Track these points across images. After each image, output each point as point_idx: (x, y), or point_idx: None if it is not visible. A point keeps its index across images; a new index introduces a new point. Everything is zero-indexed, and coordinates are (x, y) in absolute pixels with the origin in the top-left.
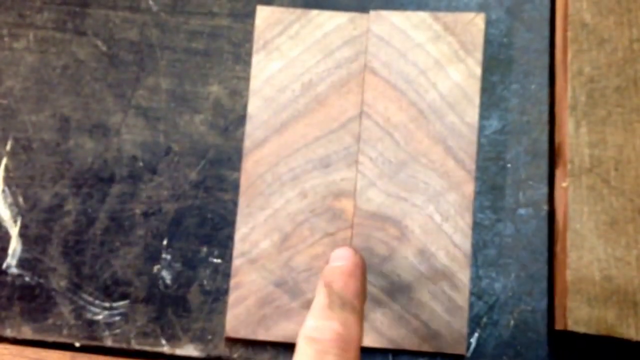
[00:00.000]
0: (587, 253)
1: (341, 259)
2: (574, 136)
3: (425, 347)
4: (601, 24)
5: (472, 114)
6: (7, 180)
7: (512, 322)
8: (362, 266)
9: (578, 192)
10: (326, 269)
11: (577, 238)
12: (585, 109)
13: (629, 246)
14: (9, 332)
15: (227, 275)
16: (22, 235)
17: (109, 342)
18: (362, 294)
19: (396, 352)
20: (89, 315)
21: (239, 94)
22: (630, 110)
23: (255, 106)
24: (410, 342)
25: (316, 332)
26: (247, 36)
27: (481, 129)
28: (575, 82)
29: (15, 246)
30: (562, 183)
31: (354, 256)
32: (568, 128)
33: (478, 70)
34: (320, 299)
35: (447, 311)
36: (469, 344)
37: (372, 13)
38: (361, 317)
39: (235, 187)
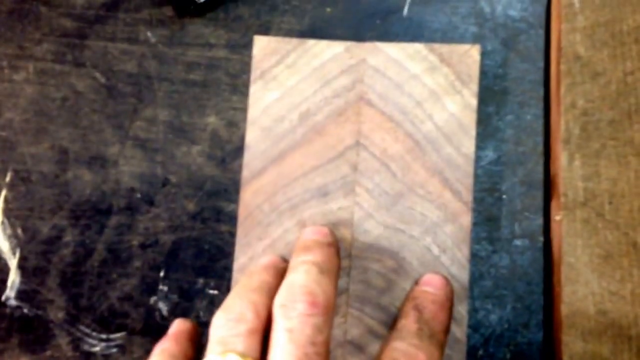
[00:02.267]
0: (581, 287)
1: (433, 287)
2: (568, 169)
3: None
4: (595, 57)
5: (469, 145)
6: (7, 212)
7: (508, 355)
8: (452, 298)
9: (572, 225)
10: (416, 291)
11: (571, 272)
12: (578, 142)
13: (623, 280)
14: None
15: None
16: (21, 267)
17: None
18: (448, 327)
19: None
20: (86, 347)
21: (236, 125)
22: (624, 143)
23: (253, 136)
24: None
25: (404, 357)
26: (244, 67)
27: (477, 159)
28: (569, 115)
29: (14, 278)
30: (556, 216)
31: (446, 286)
32: (562, 161)
33: (474, 102)
34: (409, 322)
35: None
36: None
37: (368, 44)
38: (443, 353)
39: (232, 218)
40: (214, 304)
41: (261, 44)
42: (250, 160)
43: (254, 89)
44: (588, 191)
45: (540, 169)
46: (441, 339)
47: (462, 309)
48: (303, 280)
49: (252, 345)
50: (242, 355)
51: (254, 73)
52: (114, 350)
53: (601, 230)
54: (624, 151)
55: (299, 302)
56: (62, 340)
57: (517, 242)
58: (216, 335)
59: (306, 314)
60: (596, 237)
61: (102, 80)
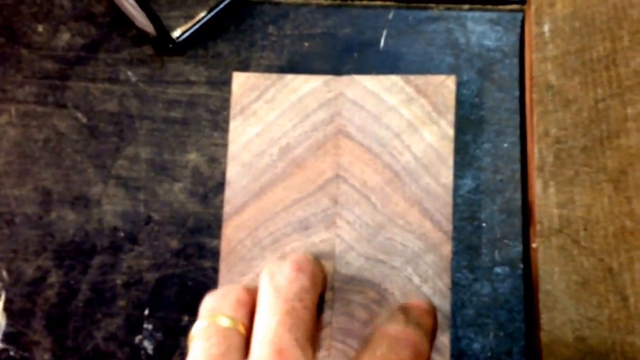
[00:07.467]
0: (559, 314)
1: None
2: (542, 197)
3: None
4: (566, 85)
5: (447, 175)
6: None
7: None
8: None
9: (548, 252)
10: (410, 303)
11: (548, 299)
12: (552, 170)
13: (600, 306)
14: None
15: None
16: (7, 309)
17: None
18: (435, 326)
19: None
20: None
21: (217, 161)
22: (597, 169)
23: (233, 172)
24: None
25: (392, 330)
26: (224, 103)
27: (456, 188)
28: (542, 143)
29: (0, 321)
30: (532, 244)
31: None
32: (536, 189)
33: (451, 132)
34: (397, 314)
35: None
36: None
37: (345, 78)
38: (431, 345)
39: (215, 254)
40: None
41: (240, 80)
42: (232, 195)
43: (234, 125)
44: (563, 218)
45: (518, 196)
46: (428, 329)
47: (444, 339)
48: (289, 257)
49: (241, 312)
50: (232, 318)
51: (234, 109)
52: None
53: (577, 257)
54: (597, 177)
55: (286, 267)
56: None
57: (498, 269)
58: (205, 308)
59: (293, 276)
60: (572, 263)
61: (84, 120)
